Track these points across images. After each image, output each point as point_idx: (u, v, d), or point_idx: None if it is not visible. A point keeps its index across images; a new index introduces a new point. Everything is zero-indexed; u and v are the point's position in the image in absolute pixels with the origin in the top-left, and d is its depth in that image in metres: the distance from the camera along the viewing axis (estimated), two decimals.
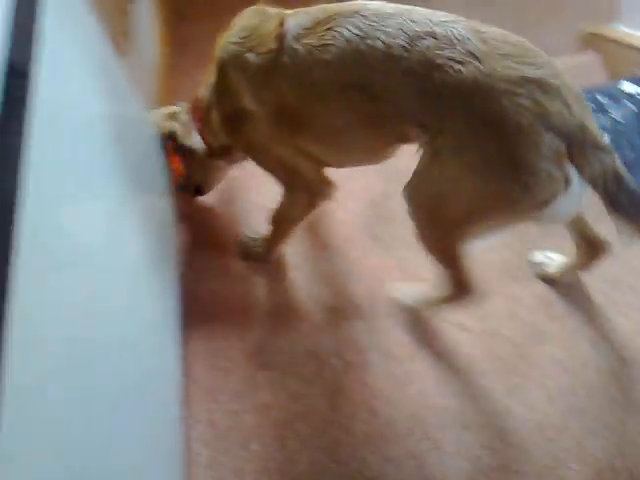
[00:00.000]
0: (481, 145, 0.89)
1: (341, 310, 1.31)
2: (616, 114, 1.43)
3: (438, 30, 0.92)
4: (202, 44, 2.17)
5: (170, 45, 2.13)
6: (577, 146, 0.88)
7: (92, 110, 1.03)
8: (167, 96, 1.90)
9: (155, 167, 1.35)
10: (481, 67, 0.88)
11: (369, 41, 0.95)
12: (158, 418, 1.11)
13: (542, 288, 1.28)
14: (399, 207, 1.39)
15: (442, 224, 1.02)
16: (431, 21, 0.93)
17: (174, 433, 1.19)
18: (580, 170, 0.89)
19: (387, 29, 0.94)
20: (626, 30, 1.62)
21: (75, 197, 0.89)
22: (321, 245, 1.40)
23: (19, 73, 0.77)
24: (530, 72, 0.89)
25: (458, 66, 0.89)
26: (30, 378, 0.64)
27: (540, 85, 0.89)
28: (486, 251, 1.33)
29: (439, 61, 0.90)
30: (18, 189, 0.68)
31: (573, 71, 1.68)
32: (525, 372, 1.20)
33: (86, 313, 0.83)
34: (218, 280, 1.39)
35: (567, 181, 0.89)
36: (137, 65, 1.64)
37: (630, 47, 1.55)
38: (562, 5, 2.10)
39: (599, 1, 1.97)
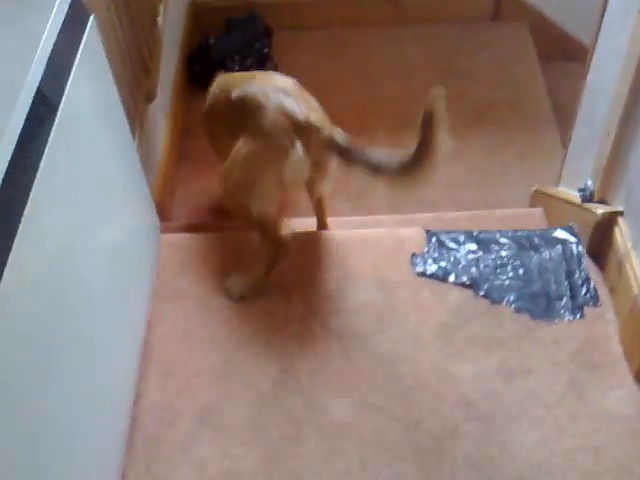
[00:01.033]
0: (250, 125, 1.49)
1: (285, 384, 1.45)
2: (546, 254, 1.67)
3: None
4: (199, 157, 2.46)
5: (174, 151, 2.37)
6: (300, 129, 1.46)
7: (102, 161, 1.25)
8: (162, 193, 2.12)
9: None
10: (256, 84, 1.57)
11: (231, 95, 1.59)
12: (95, 456, 1.21)
13: (464, 391, 1.44)
14: (351, 302, 1.59)
15: (236, 186, 1.55)
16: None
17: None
18: (302, 143, 1.45)
19: (238, 90, 1.58)
20: (564, 189, 1.89)
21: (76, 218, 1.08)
22: (278, 324, 1.56)
23: (48, 102, 0.97)
24: (280, 85, 1.54)
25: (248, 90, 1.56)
26: None
27: (284, 91, 1.51)
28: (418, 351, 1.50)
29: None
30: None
31: (522, 219, 1.96)
32: (439, 464, 1.34)
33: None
34: (181, 343, 1.54)
35: (292, 146, 1.45)
36: (142, 154, 1.86)
37: (566, 202, 1.81)
38: (521, 170, 2.43)
39: (551, 168, 2.29)
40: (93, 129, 1.22)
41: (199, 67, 2.67)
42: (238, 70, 2.67)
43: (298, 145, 1.45)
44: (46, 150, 0.96)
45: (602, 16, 1.54)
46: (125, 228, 1.43)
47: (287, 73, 2.79)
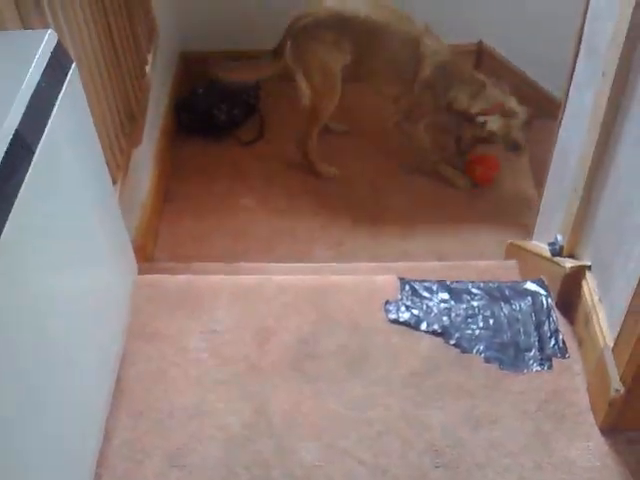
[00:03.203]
0: None
1: (255, 426, 1.46)
2: (516, 305, 1.71)
3: None
4: (184, 201, 2.51)
5: (160, 195, 2.42)
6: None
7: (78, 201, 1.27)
8: (145, 235, 2.15)
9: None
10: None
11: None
12: None
13: (432, 438, 1.46)
14: (325, 346, 1.61)
15: None
16: None
17: None
18: None
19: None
20: (536, 243, 1.95)
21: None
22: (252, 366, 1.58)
23: (26, 145, 1.00)
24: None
25: None
26: None
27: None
28: (388, 397, 1.52)
29: None
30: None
31: (496, 271, 2.00)
32: None
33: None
34: (154, 383, 1.55)
35: None
36: (126, 197, 1.91)
37: (537, 255, 1.86)
38: (498, 223, 2.50)
39: (527, 222, 2.35)
40: (71, 173, 1.24)
41: (186, 115, 2.75)
42: (224, 120, 2.75)
43: None
44: (20, 192, 0.98)
45: (572, 74, 1.61)
46: (100, 270, 1.45)
47: (272, 125, 2.91)
